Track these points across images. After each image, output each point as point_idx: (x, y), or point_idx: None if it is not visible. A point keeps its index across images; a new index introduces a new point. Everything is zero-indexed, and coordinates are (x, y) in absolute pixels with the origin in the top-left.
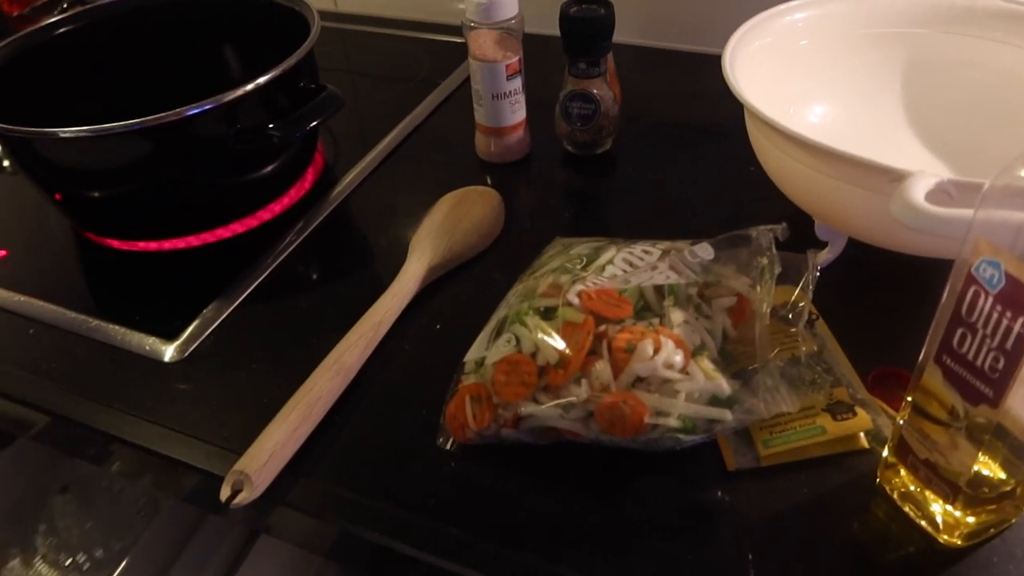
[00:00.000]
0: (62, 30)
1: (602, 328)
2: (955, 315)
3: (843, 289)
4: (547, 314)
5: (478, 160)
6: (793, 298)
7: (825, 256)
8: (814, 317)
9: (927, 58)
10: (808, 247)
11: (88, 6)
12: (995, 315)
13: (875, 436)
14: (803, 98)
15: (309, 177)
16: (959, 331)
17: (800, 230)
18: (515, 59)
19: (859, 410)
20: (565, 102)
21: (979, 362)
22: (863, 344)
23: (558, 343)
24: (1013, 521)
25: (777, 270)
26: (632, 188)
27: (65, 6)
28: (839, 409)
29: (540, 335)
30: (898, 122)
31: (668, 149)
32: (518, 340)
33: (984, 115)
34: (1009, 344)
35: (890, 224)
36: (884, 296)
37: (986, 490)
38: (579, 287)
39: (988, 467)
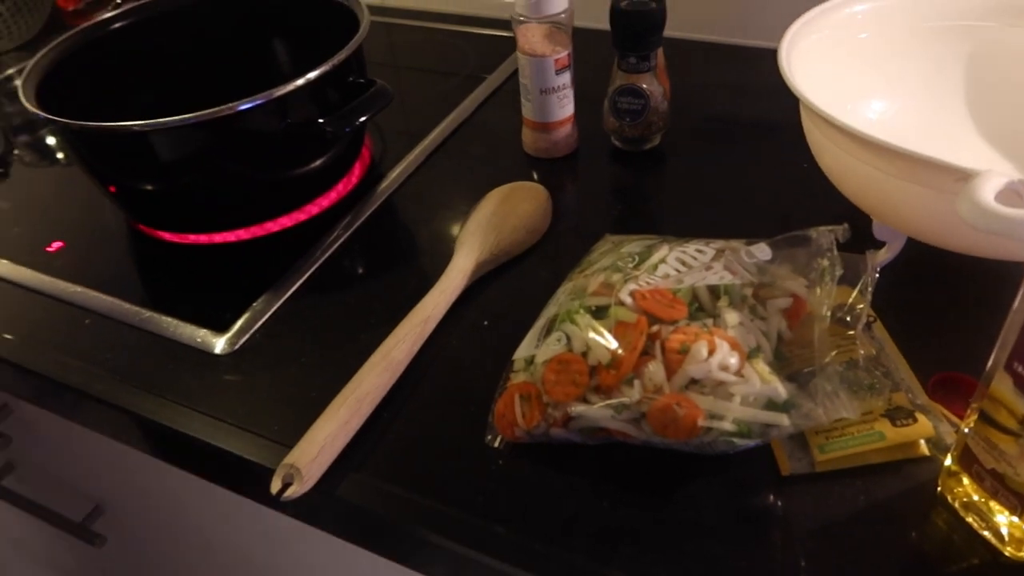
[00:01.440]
0: (117, 25)
1: (655, 329)
2: None
3: (902, 291)
4: (599, 313)
5: (525, 155)
6: (851, 300)
7: (883, 256)
8: (872, 319)
9: (994, 52)
10: (866, 247)
11: (141, 2)
12: None
13: (936, 443)
14: (861, 94)
15: (356, 171)
16: None
17: (857, 229)
18: (564, 54)
19: (920, 416)
20: (614, 97)
21: None
22: (923, 348)
23: (610, 343)
24: None
25: (839, 272)
26: (681, 185)
27: (119, 1)
28: (898, 415)
29: (591, 334)
30: (962, 119)
31: (718, 145)
32: (569, 339)
33: None
34: None
35: (955, 225)
36: (945, 299)
37: None
38: (631, 286)
39: None
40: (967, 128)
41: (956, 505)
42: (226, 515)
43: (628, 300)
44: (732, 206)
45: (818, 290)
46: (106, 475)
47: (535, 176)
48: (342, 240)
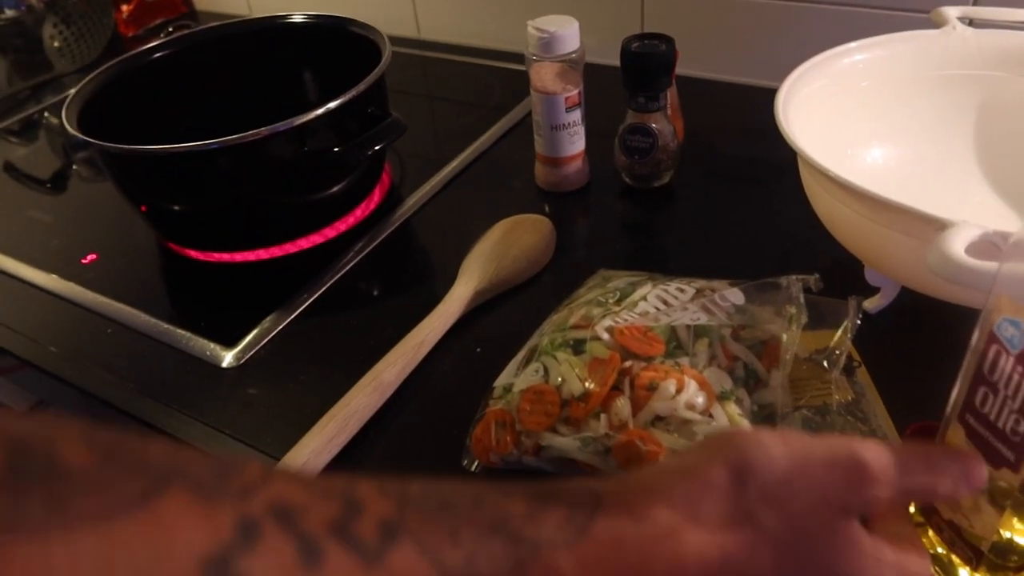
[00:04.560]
0: (157, 55)
1: (628, 364)
2: (978, 374)
3: (894, 337)
4: (577, 347)
5: (538, 188)
6: (832, 343)
7: (877, 302)
8: (856, 364)
9: (999, 101)
10: (856, 293)
11: (185, 32)
12: (1016, 376)
13: None
14: (863, 140)
15: (376, 196)
16: (981, 390)
17: (853, 274)
18: (575, 92)
19: None
20: (623, 135)
21: (1001, 423)
22: (908, 396)
23: (583, 377)
24: None
25: (804, 320)
26: (687, 222)
27: (171, 30)
28: None
29: (567, 367)
30: (967, 166)
31: (727, 184)
32: (546, 370)
33: None
34: None
35: None
36: (934, 347)
37: (1015, 558)
38: (608, 322)
39: (1022, 534)
40: (974, 176)
41: None
42: None
43: (604, 336)
44: (736, 245)
45: (784, 337)
46: None
47: (546, 209)
48: (354, 263)
